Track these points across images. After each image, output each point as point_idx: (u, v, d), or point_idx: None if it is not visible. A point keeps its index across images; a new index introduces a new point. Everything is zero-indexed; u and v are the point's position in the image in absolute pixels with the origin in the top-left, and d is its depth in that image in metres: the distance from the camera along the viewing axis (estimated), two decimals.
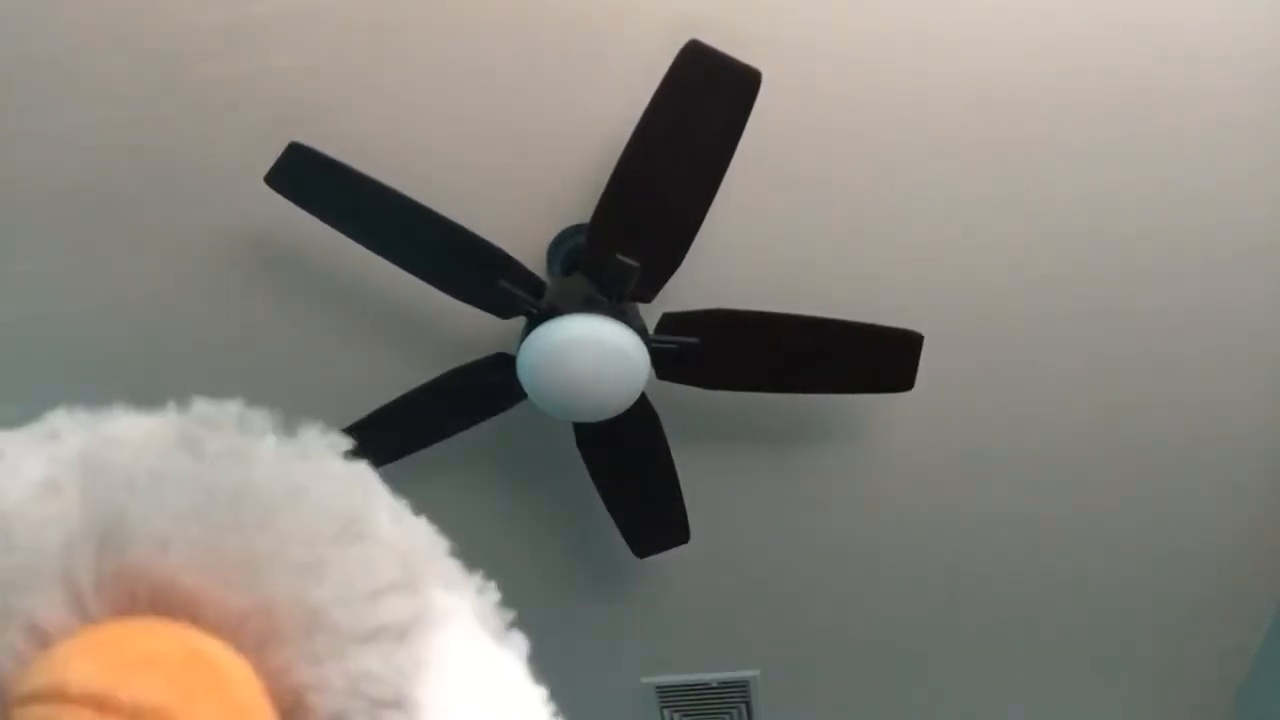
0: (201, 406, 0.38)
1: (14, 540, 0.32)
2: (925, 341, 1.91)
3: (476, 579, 0.40)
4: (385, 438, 2.00)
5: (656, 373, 1.89)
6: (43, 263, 2.03)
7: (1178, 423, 2.32)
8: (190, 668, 0.30)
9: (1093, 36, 1.80)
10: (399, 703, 0.32)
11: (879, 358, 1.92)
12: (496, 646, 0.38)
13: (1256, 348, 2.20)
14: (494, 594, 0.40)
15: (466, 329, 2.04)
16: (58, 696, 0.29)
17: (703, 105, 1.57)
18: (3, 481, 0.34)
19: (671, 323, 1.86)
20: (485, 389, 1.93)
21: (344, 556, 0.34)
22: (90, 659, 0.30)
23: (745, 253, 2.02)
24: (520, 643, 0.40)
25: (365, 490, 0.37)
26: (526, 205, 1.95)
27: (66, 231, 1.99)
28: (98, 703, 0.29)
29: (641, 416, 1.93)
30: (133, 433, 0.36)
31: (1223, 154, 1.93)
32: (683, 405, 2.12)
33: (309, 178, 1.71)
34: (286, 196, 1.73)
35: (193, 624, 0.31)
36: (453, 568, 0.39)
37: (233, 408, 0.37)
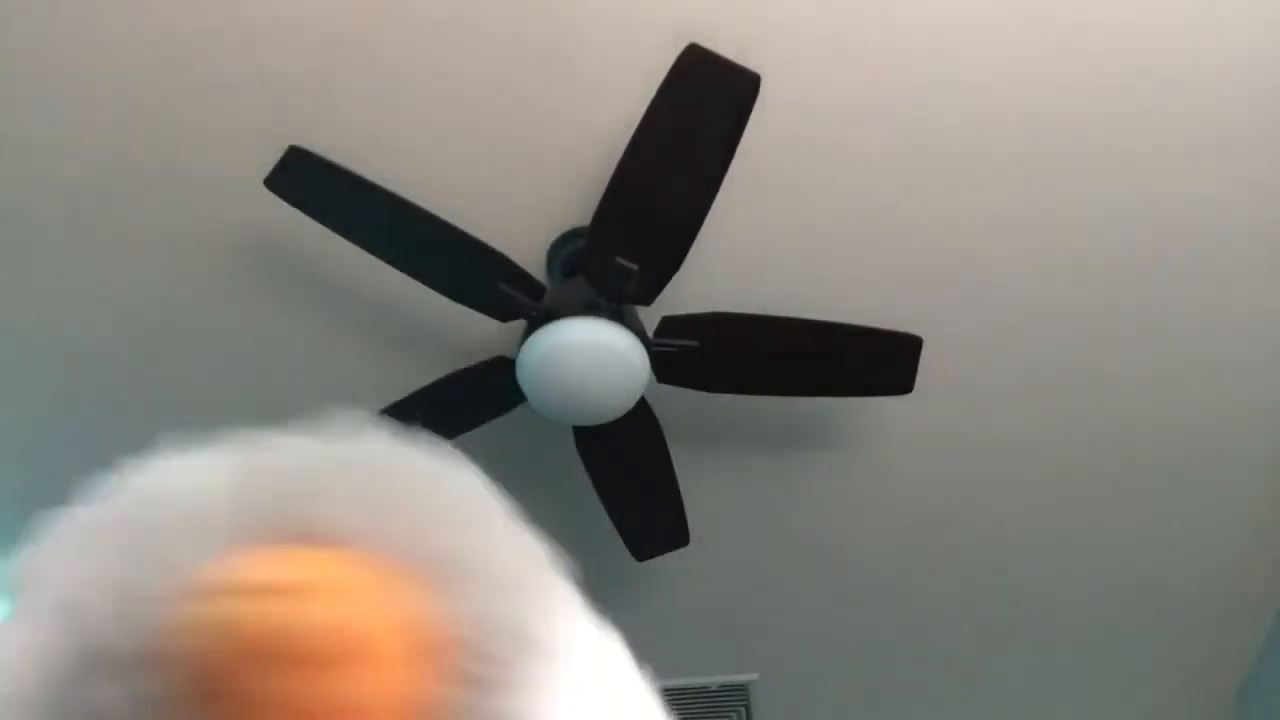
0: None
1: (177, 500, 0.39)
2: (924, 345, 1.91)
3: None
4: None
5: (656, 376, 1.89)
6: (42, 264, 2.03)
7: (1179, 426, 2.32)
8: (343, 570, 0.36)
9: (1094, 43, 1.80)
10: (531, 642, 0.37)
11: (879, 361, 1.92)
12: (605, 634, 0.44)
13: (1258, 354, 2.20)
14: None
15: (466, 332, 2.04)
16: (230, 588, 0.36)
17: (702, 108, 1.57)
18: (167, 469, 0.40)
19: (671, 326, 1.86)
20: (485, 392, 1.93)
21: (487, 522, 0.40)
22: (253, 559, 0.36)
23: (745, 256, 2.02)
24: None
25: (484, 485, 0.43)
26: (526, 208, 1.95)
27: (67, 233, 1.99)
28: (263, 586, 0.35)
29: (641, 420, 1.93)
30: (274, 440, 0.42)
31: (1225, 161, 1.93)
32: (682, 408, 2.12)
33: (309, 181, 1.71)
34: (286, 200, 1.73)
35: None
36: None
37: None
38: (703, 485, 2.35)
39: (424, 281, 1.81)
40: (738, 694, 2.84)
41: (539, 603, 0.39)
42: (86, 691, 0.35)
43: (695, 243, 1.72)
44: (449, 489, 0.42)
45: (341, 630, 0.35)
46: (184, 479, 0.40)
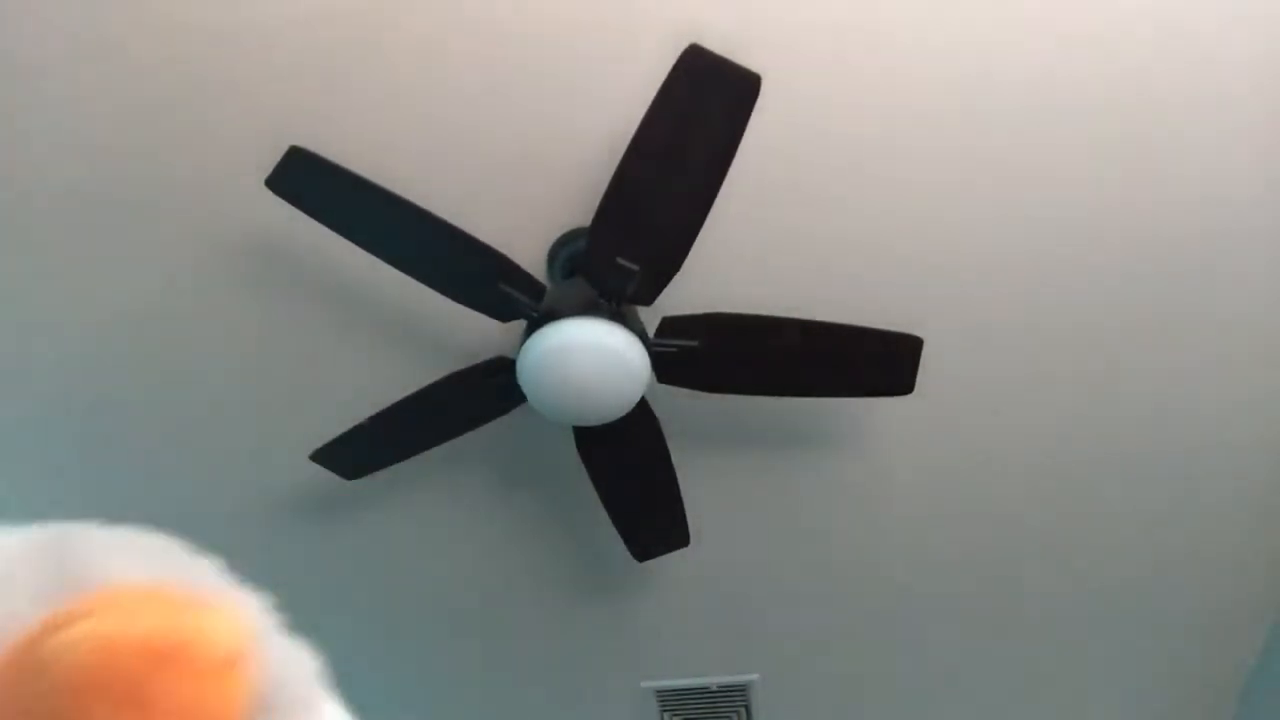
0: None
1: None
2: (925, 345, 1.91)
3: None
4: (386, 441, 2.00)
5: (656, 376, 1.89)
6: (42, 264, 2.03)
7: (1179, 425, 2.32)
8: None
9: (1094, 42, 1.80)
10: (309, 704, 0.46)
11: (879, 361, 1.92)
12: None
13: (1258, 354, 2.20)
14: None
15: (467, 332, 2.05)
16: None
17: (703, 109, 1.57)
18: None
19: (671, 326, 1.86)
20: (485, 392, 1.93)
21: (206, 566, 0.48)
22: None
23: (745, 256, 2.03)
24: None
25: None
26: (527, 209, 1.95)
27: (67, 233, 1.99)
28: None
29: (641, 420, 1.93)
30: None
31: (1224, 159, 1.93)
32: (682, 408, 2.12)
33: (310, 181, 1.71)
34: (287, 200, 1.73)
35: None
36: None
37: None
38: (703, 485, 2.35)
39: (424, 281, 1.81)
40: (738, 694, 2.85)
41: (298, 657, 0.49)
42: None
43: (696, 243, 1.72)
44: (161, 543, 0.50)
45: (158, 636, 0.42)
46: None
